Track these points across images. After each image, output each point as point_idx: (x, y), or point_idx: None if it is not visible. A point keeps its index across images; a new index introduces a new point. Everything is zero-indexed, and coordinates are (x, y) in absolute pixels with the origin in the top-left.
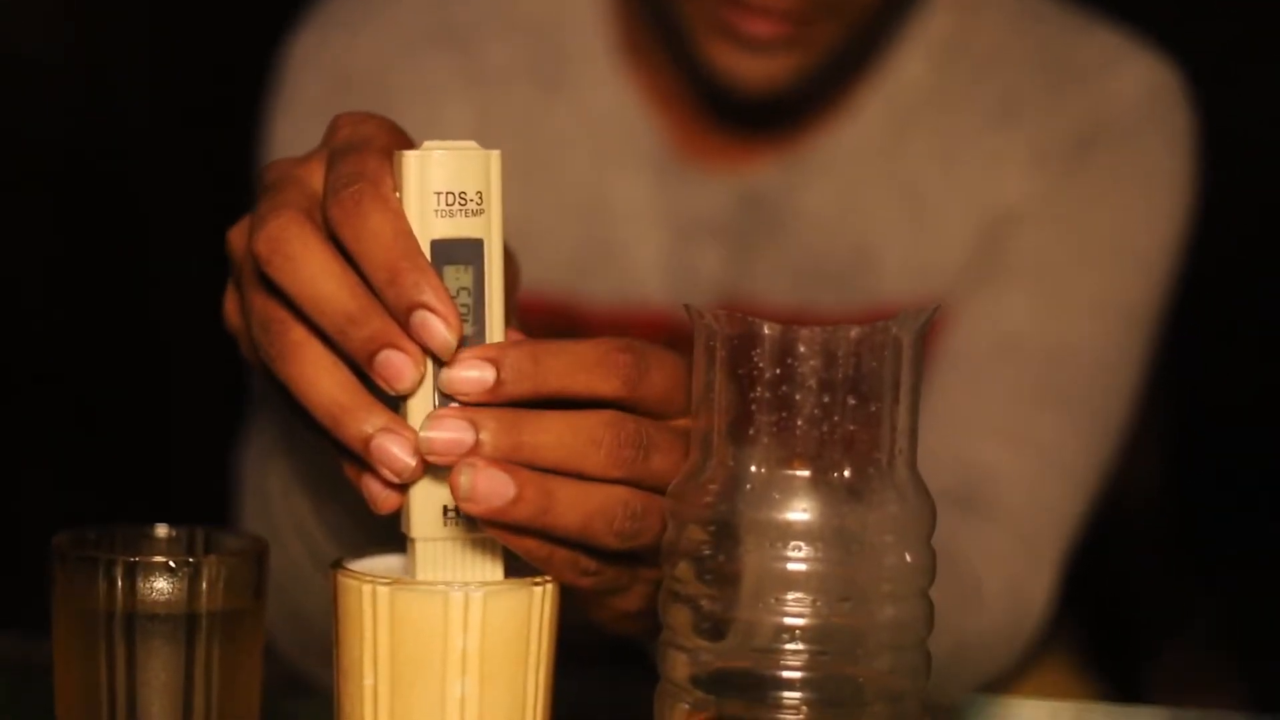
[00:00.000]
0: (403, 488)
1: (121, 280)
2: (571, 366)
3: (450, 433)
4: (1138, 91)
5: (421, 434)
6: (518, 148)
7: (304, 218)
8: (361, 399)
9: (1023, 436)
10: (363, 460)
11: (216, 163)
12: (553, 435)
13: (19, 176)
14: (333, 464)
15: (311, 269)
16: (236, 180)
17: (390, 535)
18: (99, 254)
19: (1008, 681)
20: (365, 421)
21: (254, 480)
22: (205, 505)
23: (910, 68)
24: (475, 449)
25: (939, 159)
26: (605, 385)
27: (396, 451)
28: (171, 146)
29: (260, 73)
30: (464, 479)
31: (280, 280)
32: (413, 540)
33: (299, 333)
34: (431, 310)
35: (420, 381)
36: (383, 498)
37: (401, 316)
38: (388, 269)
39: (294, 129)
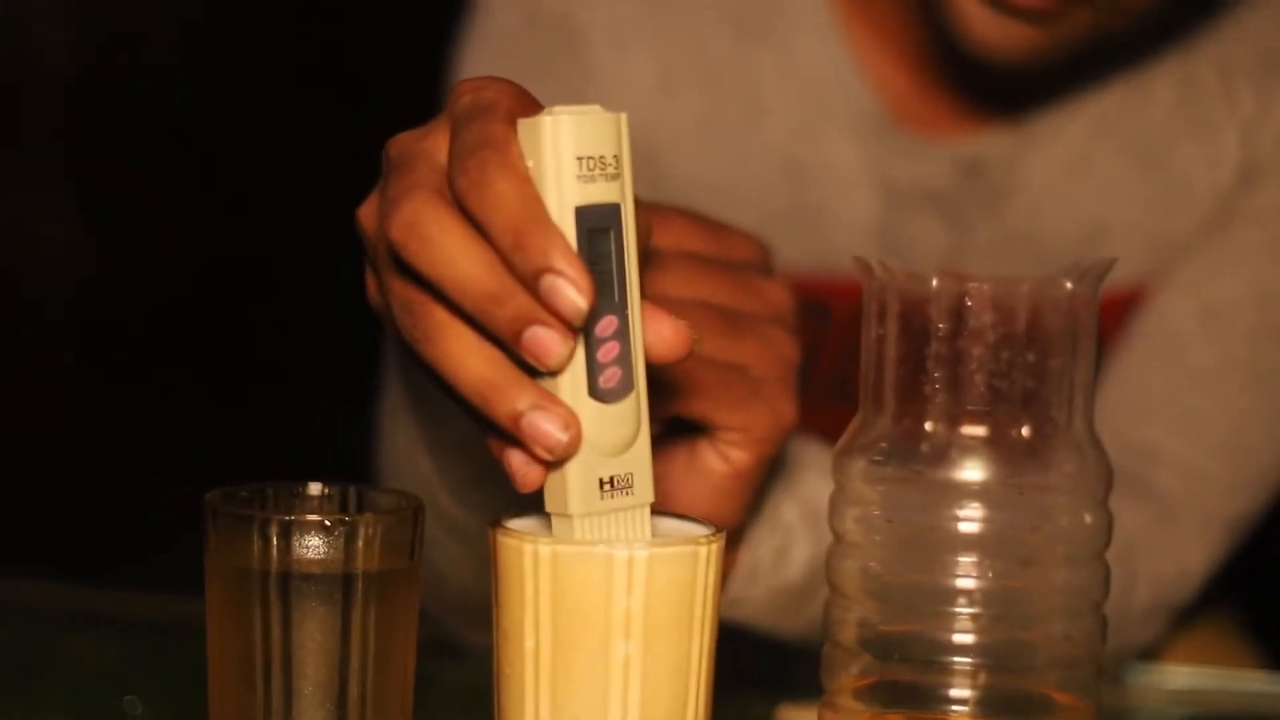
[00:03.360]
0: (548, 464)
1: (254, 233)
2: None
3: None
4: None
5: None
6: (708, 100)
7: (437, 198)
8: (510, 375)
9: (1203, 422)
10: (511, 437)
11: (341, 121)
12: None
13: (144, 140)
14: (455, 427)
15: (449, 250)
16: (364, 136)
17: (512, 496)
18: (230, 214)
19: (1161, 645)
20: (515, 399)
21: (386, 439)
22: (346, 465)
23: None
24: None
25: (1187, 119)
26: None
27: (548, 428)
28: (297, 106)
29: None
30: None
31: (418, 265)
32: (569, 517)
33: (441, 313)
34: (560, 274)
35: (571, 356)
36: (522, 474)
37: (529, 282)
38: (513, 234)
39: (483, 63)
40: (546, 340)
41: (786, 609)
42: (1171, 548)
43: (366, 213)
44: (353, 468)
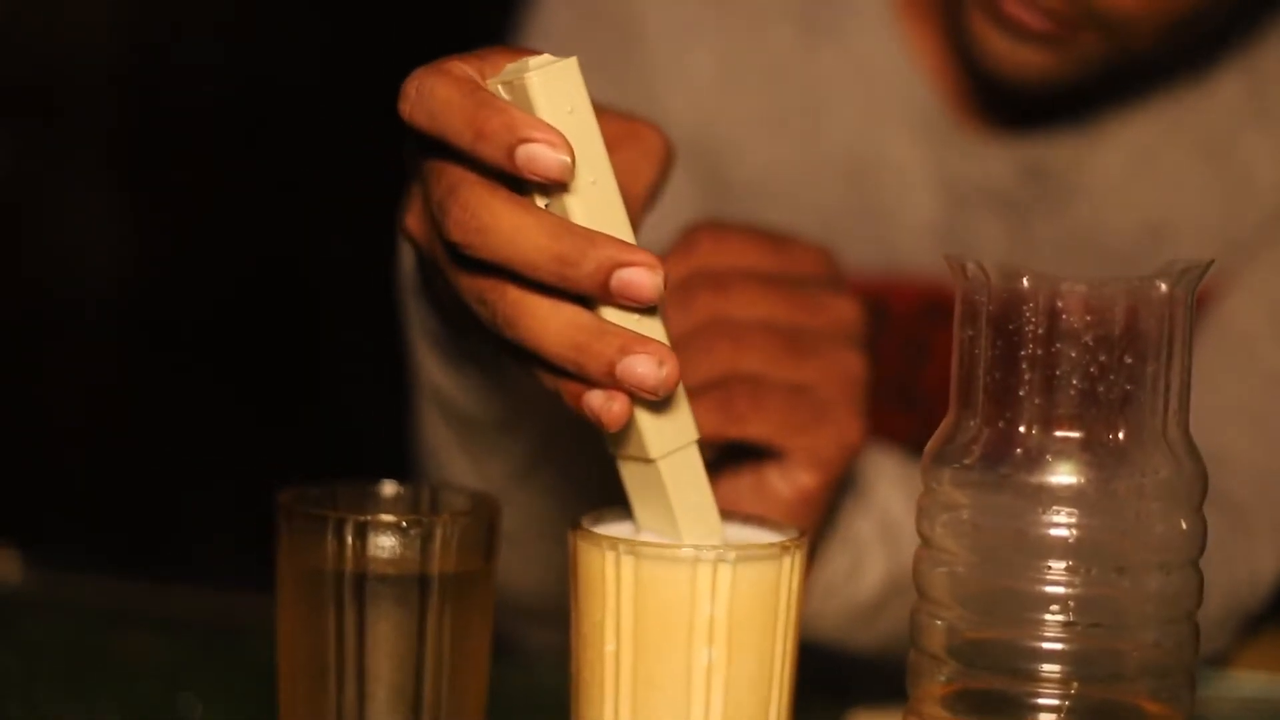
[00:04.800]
0: (647, 402)
1: (299, 231)
2: None
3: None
4: None
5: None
6: (771, 95)
7: (477, 184)
8: (592, 329)
9: (1276, 427)
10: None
11: (389, 120)
12: None
13: (191, 141)
14: (483, 426)
15: (506, 231)
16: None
17: (554, 493)
18: (276, 212)
19: (1230, 652)
20: (604, 350)
21: (422, 438)
22: (393, 463)
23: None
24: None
25: (1253, 114)
26: None
27: (643, 370)
28: (345, 105)
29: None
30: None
31: (485, 256)
32: (653, 461)
33: (513, 292)
34: (531, 141)
35: (664, 287)
36: (606, 410)
37: (505, 162)
38: (470, 126)
39: None
40: (635, 278)
41: (860, 624)
42: (1243, 554)
43: (413, 222)
44: (400, 466)
